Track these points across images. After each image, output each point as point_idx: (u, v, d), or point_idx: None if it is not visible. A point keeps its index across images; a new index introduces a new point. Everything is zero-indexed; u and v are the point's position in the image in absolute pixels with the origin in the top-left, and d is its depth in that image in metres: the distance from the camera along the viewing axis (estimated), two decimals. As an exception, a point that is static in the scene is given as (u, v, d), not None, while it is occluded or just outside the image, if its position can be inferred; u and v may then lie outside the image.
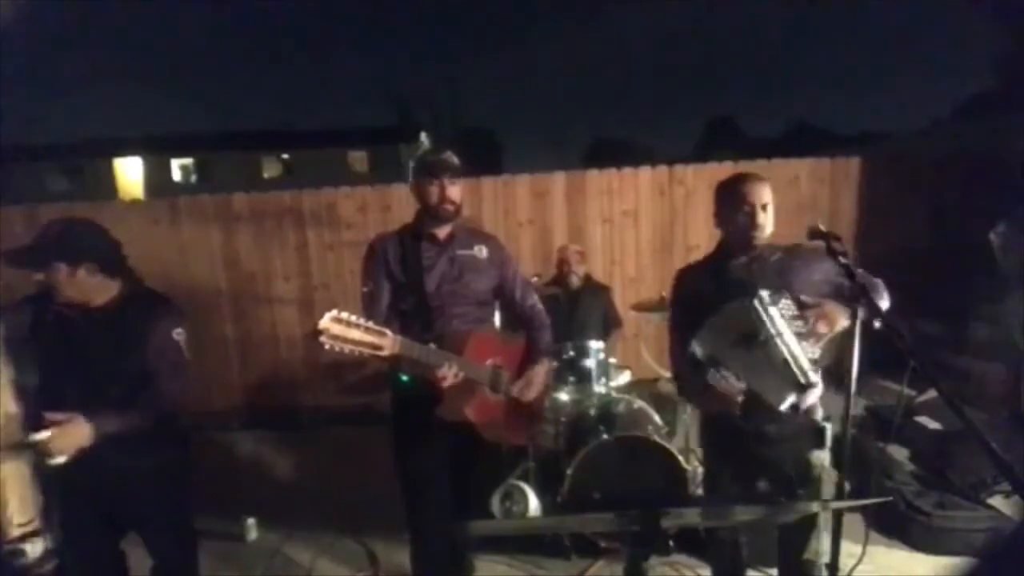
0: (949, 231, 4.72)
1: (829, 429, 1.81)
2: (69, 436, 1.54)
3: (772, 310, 1.66)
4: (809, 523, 1.84)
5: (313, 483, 3.80)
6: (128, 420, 1.69)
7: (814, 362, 1.68)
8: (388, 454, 2.08)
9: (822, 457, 1.81)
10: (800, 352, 1.66)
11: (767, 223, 1.81)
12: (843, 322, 1.69)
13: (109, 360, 1.77)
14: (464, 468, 2.10)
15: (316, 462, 4.13)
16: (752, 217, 1.79)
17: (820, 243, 1.61)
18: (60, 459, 1.52)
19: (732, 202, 1.83)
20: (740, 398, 1.70)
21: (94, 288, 1.77)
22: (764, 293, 1.67)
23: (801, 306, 1.71)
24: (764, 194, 1.81)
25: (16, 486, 1.43)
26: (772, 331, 1.64)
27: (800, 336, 1.67)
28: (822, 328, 1.69)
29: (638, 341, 4.52)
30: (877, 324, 1.51)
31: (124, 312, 1.80)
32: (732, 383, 1.69)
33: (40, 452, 1.49)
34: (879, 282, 1.81)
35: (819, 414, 1.86)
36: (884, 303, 1.78)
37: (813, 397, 1.84)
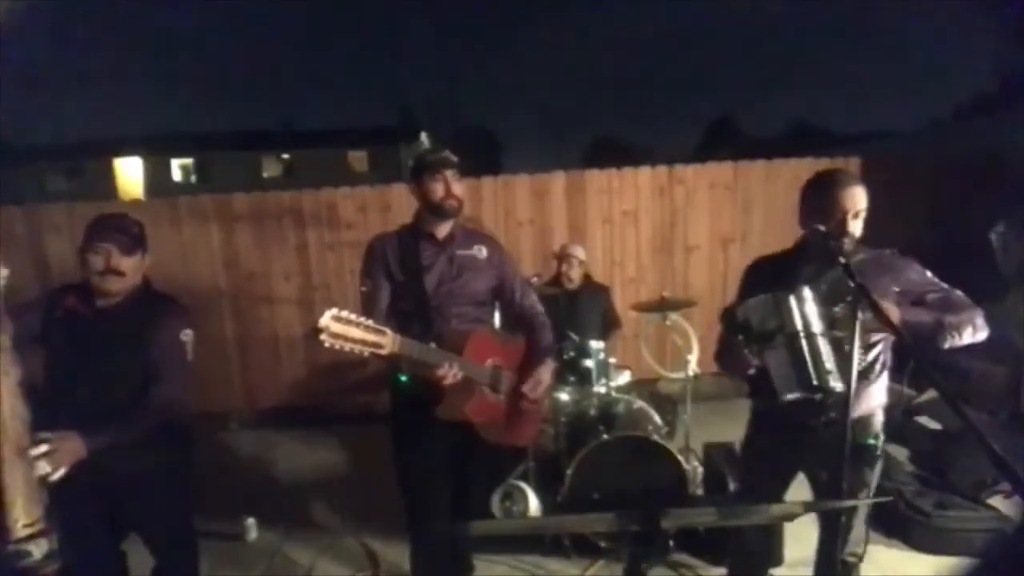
0: (949, 231, 4.72)
1: (879, 447, 1.74)
2: (63, 453, 1.54)
3: (808, 308, 1.65)
4: (845, 524, 1.78)
5: (313, 483, 3.80)
6: (124, 432, 1.69)
7: (843, 370, 1.61)
8: (388, 454, 2.08)
9: (866, 476, 1.76)
10: (826, 357, 1.64)
11: (857, 231, 1.70)
12: (891, 320, 1.56)
13: (118, 358, 1.78)
14: (464, 468, 2.10)
15: (315, 462, 4.13)
16: (842, 226, 1.68)
17: (903, 253, 1.62)
18: (57, 475, 1.52)
19: (821, 205, 1.72)
20: (751, 371, 1.73)
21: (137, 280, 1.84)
22: (806, 291, 1.67)
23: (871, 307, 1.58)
24: (859, 200, 1.69)
25: (22, 487, 1.43)
26: (800, 328, 1.64)
27: (843, 341, 1.63)
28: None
29: (638, 341, 4.52)
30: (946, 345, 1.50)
31: (134, 311, 1.82)
32: (749, 355, 1.71)
33: (36, 469, 1.47)
34: (978, 311, 1.70)
35: (871, 430, 1.77)
36: (981, 333, 1.70)
37: (862, 409, 1.77)
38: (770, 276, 1.83)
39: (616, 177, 5.05)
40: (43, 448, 1.49)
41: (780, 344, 1.68)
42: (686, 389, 3.19)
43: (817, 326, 1.65)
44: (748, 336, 1.71)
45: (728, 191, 5.01)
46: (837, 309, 1.67)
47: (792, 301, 1.66)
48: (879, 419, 1.81)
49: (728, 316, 1.81)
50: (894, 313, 1.61)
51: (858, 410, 1.75)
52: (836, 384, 1.64)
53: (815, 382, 1.64)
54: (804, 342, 1.64)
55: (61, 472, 1.53)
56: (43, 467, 1.49)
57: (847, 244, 1.69)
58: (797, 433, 1.79)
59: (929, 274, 1.79)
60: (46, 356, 1.77)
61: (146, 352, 1.80)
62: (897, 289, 1.71)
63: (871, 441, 1.75)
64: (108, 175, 25.26)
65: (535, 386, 2.09)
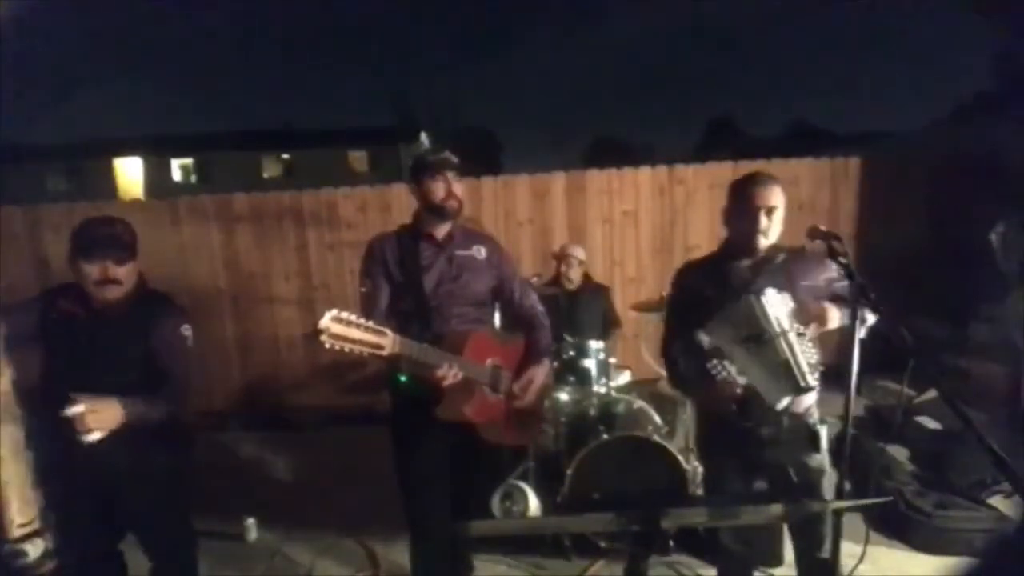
0: (949, 231, 4.72)
1: (825, 432, 1.82)
2: (103, 414, 1.59)
3: (777, 310, 1.67)
4: (821, 521, 1.82)
5: (313, 483, 3.80)
6: (154, 408, 1.73)
7: (813, 366, 1.69)
8: (388, 454, 2.08)
9: (820, 460, 1.81)
10: (801, 355, 1.67)
11: (771, 228, 1.77)
12: (835, 321, 1.70)
13: (115, 359, 1.78)
14: (464, 468, 2.10)
15: (316, 462, 4.13)
16: (754, 221, 1.76)
17: (824, 247, 1.60)
18: (95, 436, 1.57)
19: (738, 203, 1.81)
20: (738, 390, 1.71)
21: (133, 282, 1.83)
22: (771, 292, 1.68)
23: (800, 307, 1.72)
24: (770, 197, 1.76)
25: (18, 486, 1.43)
26: (776, 331, 1.66)
27: (800, 337, 1.68)
28: (815, 326, 1.70)
29: (638, 341, 4.51)
30: (863, 334, 1.53)
31: (131, 312, 1.82)
32: (732, 376, 1.70)
33: (74, 428, 1.54)
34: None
35: (815, 417, 1.85)
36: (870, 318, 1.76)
37: (808, 400, 1.84)
38: (709, 281, 1.85)
39: (616, 177, 5.05)
40: (79, 408, 1.53)
41: (763, 353, 1.67)
42: (686, 389, 3.18)
43: (787, 325, 1.67)
44: (722, 356, 1.71)
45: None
46: (787, 305, 1.70)
47: (765, 304, 1.66)
48: (816, 408, 1.88)
49: (690, 346, 1.80)
50: (834, 313, 1.70)
51: (804, 403, 1.82)
52: (814, 381, 1.67)
53: (802, 384, 1.66)
54: (784, 345, 1.65)
55: (98, 435, 1.57)
56: (81, 426, 1.54)
57: (761, 241, 1.76)
58: (753, 433, 1.81)
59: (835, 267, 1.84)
60: (43, 356, 1.77)
61: (144, 350, 1.81)
62: (820, 283, 1.79)
63: (817, 427, 1.82)
64: (108, 175, 25.25)
65: (526, 386, 2.09)
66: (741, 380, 1.70)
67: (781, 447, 1.81)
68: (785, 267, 1.80)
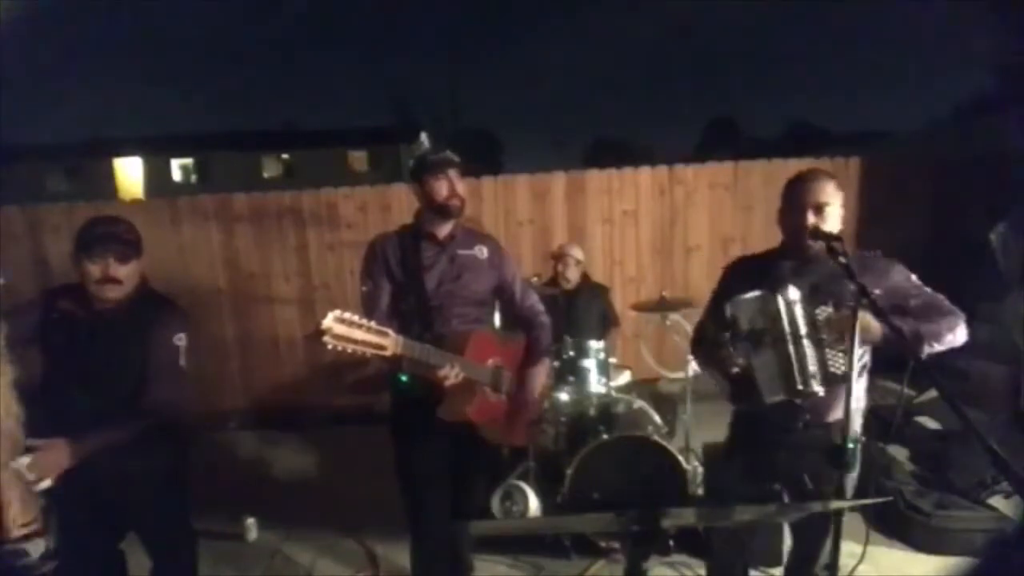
0: (949, 231, 4.72)
1: (857, 451, 1.72)
2: (50, 461, 1.55)
3: (796, 309, 1.65)
4: (824, 533, 1.81)
5: (313, 483, 3.80)
6: (113, 435, 1.69)
7: (831, 375, 1.65)
8: (388, 454, 2.08)
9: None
10: (812, 360, 1.65)
11: (821, 225, 1.70)
12: (873, 332, 1.63)
13: (115, 361, 1.78)
14: (464, 468, 2.10)
15: (316, 462, 4.13)
16: (802, 218, 1.71)
17: (890, 256, 1.60)
18: (44, 484, 1.52)
19: (788, 200, 1.78)
20: (734, 368, 1.71)
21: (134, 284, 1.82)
22: (792, 292, 1.66)
23: (840, 316, 1.65)
24: (820, 194, 1.72)
25: (19, 486, 1.43)
26: (787, 329, 1.64)
27: (823, 344, 1.65)
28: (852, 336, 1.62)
29: (638, 341, 4.52)
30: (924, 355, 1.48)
31: (131, 314, 1.81)
32: (735, 353, 1.69)
33: (23, 478, 1.50)
34: (958, 317, 1.72)
35: (854, 434, 1.72)
36: (960, 339, 1.71)
37: (841, 412, 1.74)
38: (752, 276, 1.83)
39: (616, 177, 5.05)
40: (27, 459, 1.49)
41: (768, 346, 1.67)
42: (686, 389, 3.19)
43: (803, 328, 1.65)
44: (736, 334, 1.70)
45: (728, 191, 5.01)
46: (819, 311, 1.67)
47: (780, 302, 1.66)
48: (858, 422, 1.79)
49: (716, 311, 1.81)
50: (875, 327, 1.62)
51: (836, 413, 1.75)
52: (818, 388, 1.65)
53: (800, 387, 1.65)
54: (791, 345, 1.64)
55: (47, 483, 1.53)
56: (29, 476, 1.50)
57: (809, 239, 1.70)
58: (775, 436, 1.80)
59: (914, 278, 1.79)
60: (43, 358, 1.77)
61: (141, 353, 1.80)
62: (879, 292, 1.69)
63: (849, 445, 1.66)
64: (108, 175, 25.24)
65: (527, 387, 2.10)
66: (740, 360, 1.70)
67: (801, 456, 1.75)
68: (839, 272, 1.69)
